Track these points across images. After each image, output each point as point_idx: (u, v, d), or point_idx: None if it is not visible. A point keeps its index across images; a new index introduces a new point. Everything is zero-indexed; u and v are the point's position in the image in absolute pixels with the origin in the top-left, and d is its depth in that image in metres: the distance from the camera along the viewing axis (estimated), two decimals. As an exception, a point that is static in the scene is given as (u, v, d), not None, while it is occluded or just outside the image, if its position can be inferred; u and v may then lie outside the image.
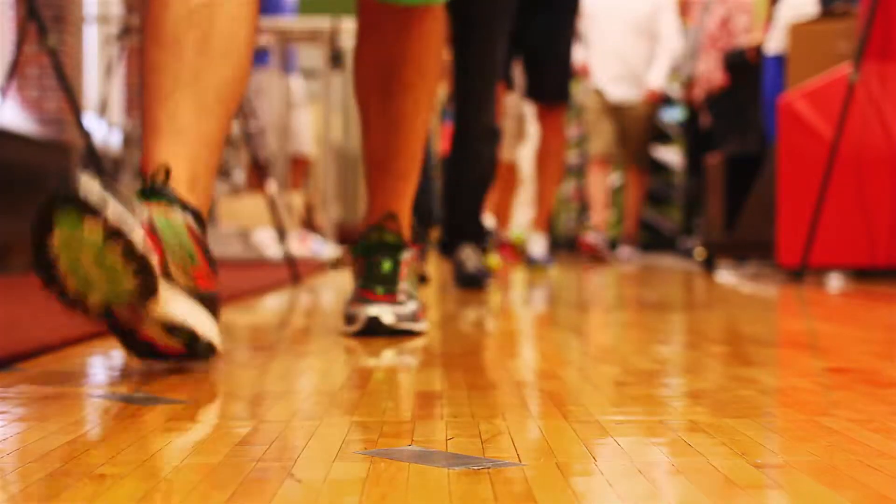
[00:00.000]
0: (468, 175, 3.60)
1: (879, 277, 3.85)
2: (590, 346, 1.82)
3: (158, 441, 0.94)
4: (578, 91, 7.49)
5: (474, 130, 3.53)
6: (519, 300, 3.17)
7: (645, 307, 2.75)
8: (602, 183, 7.42)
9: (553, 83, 4.69)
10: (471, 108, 3.53)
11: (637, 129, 7.27)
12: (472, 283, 3.38)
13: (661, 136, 9.32)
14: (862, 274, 3.92)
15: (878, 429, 0.99)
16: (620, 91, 7.19)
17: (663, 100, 7.44)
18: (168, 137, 1.41)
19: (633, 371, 1.43)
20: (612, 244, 7.81)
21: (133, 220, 1.24)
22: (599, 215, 7.38)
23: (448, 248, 3.65)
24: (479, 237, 3.60)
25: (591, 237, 7.24)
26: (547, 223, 5.17)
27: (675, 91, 9.40)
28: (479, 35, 3.50)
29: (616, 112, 7.23)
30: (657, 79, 7.09)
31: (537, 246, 5.06)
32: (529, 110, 6.00)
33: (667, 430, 0.98)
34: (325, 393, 1.25)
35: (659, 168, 9.40)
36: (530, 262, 4.86)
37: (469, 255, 3.45)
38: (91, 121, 5.44)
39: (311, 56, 7.66)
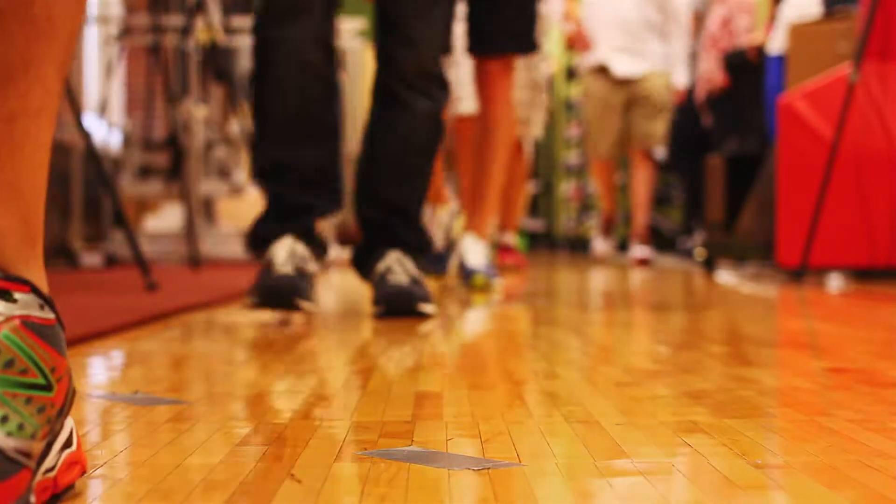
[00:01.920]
0: (390, 145, 2.38)
1: (879, 277, 3.85)
2: (590, 347, 1.82)
3: (158, 441, 0.94)
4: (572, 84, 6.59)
5: (402, 71, 2.35)
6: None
7: (645, 307, 2.75)
8: (609, 178, 6.62)
9: (510, 27, 3.33)
10: (398, 37, 2.36)
11: (652, 101, 6.24)
12: (400, 304, 2.23)
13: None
14: (862, 274, 3.92)
15: (878, 429, 0.99)
16: (626, 63, 6.26)
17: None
18: None
19: (633, 371, 1.43)
20: (622, 244, 7.33)
21: None
22: (610, 209, 6.62)
23: (362, 261, 2.44)
24: (418, 244, 2.41)
25: (600, 246, 6.64)
26: (485, 227, 3.59)
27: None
28: None
29: (624, 87, 6.24)
30: (682, 77, 6.26)
31: (473, 254, 3.50)
32: (545, 70, 5.04)
33: (667, 431, 0.98)
34: (325, 393, 1.25)
35: (659, 168, 9.38)
36: (465, 276, 3.40)
37: (395, 263, 2.31)
38: (91, 121, 5.44)
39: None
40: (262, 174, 2.37)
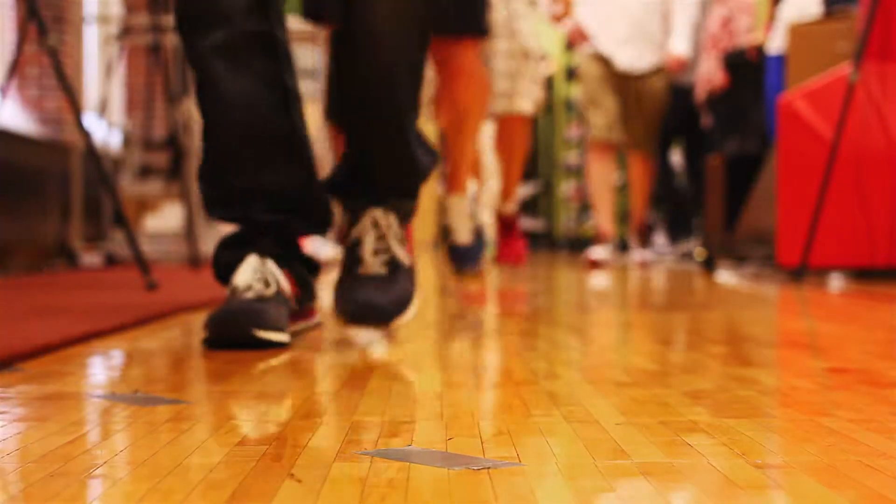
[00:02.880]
0: (355, 81, 1.78)
1: (879, 277, 3.85)
2: (590, 346, 1.82)
3: (158, 441, 0.94)
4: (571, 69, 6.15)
5: None
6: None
7: (645, 307, 2.75)
8: (606, 175, 5.98)
9: (459, 9, 3.29)
10: None
11: (651, 104, 5.85)
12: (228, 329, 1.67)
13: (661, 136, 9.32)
14: (862, 274, 3.92)
15: (878, 429, 0.99)
16: (631, 56, 5.81)
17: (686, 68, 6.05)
18: None
19: (633, 371, 1.43)
20: (623, 245, 6.80)
21: None
22: (605, 219, 5.94)
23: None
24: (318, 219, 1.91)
25: (598, 253, 5.91)
26: (462, 184, 3.61)
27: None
28: None
29: (625, 83, 5.85)
30: (680, 43, 5.76)
31: (460, 226, 3.51)
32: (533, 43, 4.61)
33: (667, 431, 0.98)
34: (325, 393, 1.25)
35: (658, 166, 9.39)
36: (453, 258, 3.35)
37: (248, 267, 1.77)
38: (91, 121, 5.44)
39: (312, 56, 7.66)
40: (217, 203, 1.87)
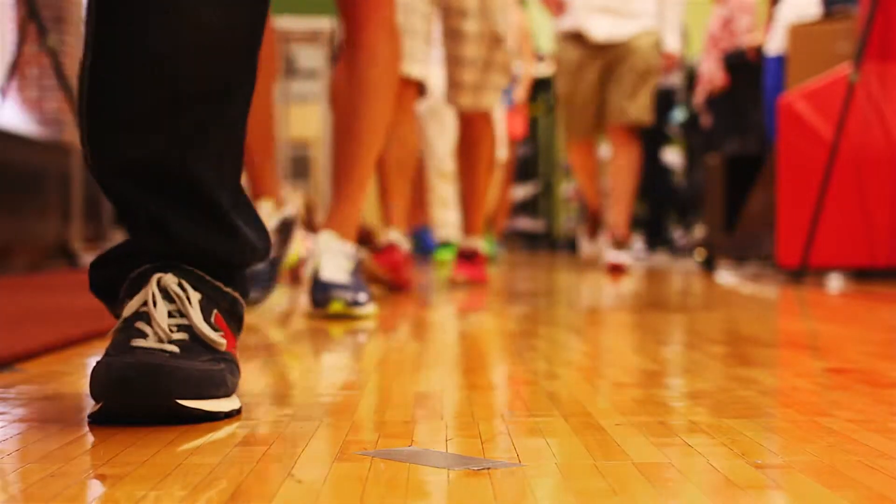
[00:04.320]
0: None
1: (879, 278, 3.85)
2: (590, 347, 1.82)
3: (158, 441, 0.94)
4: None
5: None
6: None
7: (645, 307, 2.75)
8: (590, 164, 5.33)
9: None
10: None
11: (639, 62, 4.97)
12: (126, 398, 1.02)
13: (661, 136, 9.35)
14: (862, 274, 3.92)
15: (878, 429, 0.99)
16: (610, 25, 5.01)
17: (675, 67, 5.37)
18: None
19: (633, 371, 1.43)
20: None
21: None
22: (621, 212, 5.07)
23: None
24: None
25: (587, 248, 5.65)
26: (348, 221, 2.43)
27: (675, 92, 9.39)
28: None
29: (605, 58, 5.03)
30: (674, 41, 5.08)
31: (328, 263, 2.37)
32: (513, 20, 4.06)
33: (667, 431, 0.98)
34: (326, 393, 1.25)
35: (659, 168, 9.41)
36: (315, 294, 2.30)
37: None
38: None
39: (311, 56, 7.66)
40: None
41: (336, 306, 2.23)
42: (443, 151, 6.05)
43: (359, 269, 2.37)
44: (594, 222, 5.78)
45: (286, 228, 2.74)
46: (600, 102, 5.04)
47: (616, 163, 5.07)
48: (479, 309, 2.70)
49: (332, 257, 2.32)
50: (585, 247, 5.99)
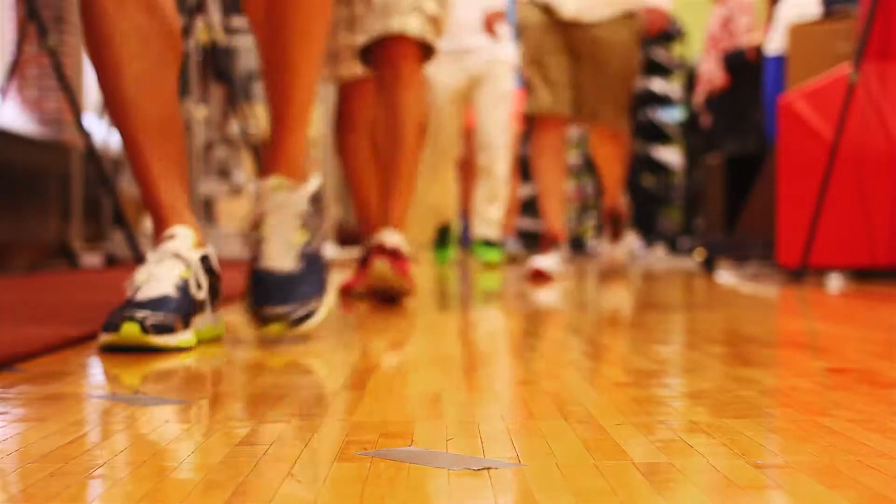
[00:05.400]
0: None
1: (879, 277, 3.85)
2: (590, 346, 1.82)
3: (158, 441, 0.94)
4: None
5: None
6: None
7: (644, 307, 2.75)
8: (554, 158, 4.34)
9: None
10: None
11: (612, 61, 4.28)
12: None
13: (661, 136, 9.37)
14: (862, 274, 3.92)
15: (878, 429, 0.99)
16: (576, 2, 4.28)
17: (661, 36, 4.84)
18: None
19: (633, 371, 1.43)
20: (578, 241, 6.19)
21: None
22: (554, 215, 4.37)
23: None
24: None
25: (543, 262, 4.25)
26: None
27: (675, 92, 9.41)
28: None
29: (574, 38, 4.29)
30: None
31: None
32: None
33: (667, 431, 0.98)
34: (325, 393, 1.25)
35: (659, 168, 9.43)
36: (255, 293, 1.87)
37: None
38: (91, 121, 5.44)
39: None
40: None
41: (275, 329, 1.78)
42: (451, 129, 5.66)
43: (313, 225, 1.83)
44: (615, 221, 4.86)
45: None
46: (575, 84, 4.30)
47: (600, 151, 4.53)
48: (478, 308, 2.70)
49: (279, 227, 1.83)
50: (608, 249, 4.98)
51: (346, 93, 2.90)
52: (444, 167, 5.85)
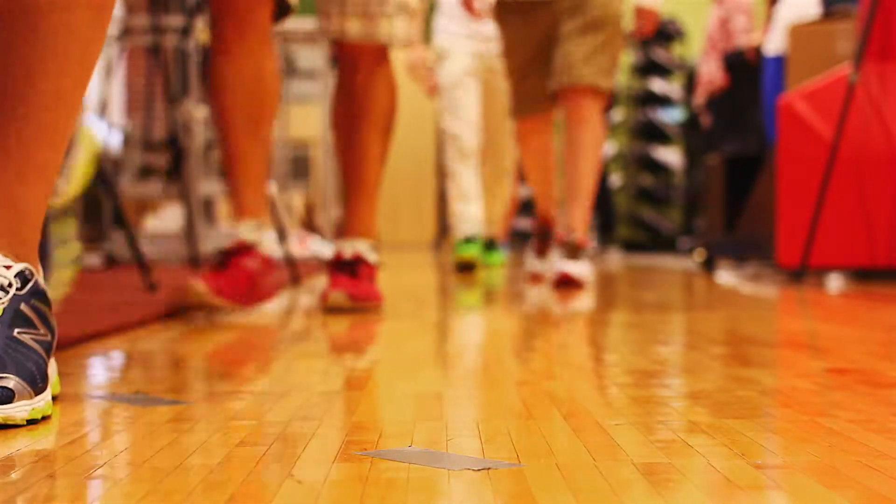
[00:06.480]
0: None
1: (879, 277, 3.85)
2: (590, 347, 1.82)
3: (158, 441, 0.94)
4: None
5: None
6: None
7: (645, 308, 2.75)
8: (542, 149, 4.13)
9: None
10: None
11: (583, 26, 3.63)
12: None
13: (661, 136, 9.37)
14: (862, 274, 3.92)
15: (878, 429, 0.99)
16: None
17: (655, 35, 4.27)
18: None
19: (633, 371, 1.43)
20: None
21: None
22: (578, 208, 3.68)
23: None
24: None
25: (536, 266, 4.18)
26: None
27: (675, 92, 9.41)
28: None
29: (545, 9, 3.75)
30: None
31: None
32: None
33: (667, 431, 0.98)
34: (325, 393, 1.25)
35: (659, 168, 9.43)
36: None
37: None
38: (91, 121, 5.44)
39: (311, 56, 7.67)
40: None
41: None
42: (462, 123, 5.04)
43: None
44: (543, 233, 4.29)
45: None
46: (548, 61, 3.75)
47: (569, 137, 3.70)
48: (476, 307, 2.69)
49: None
50: (532, 264, 4.32)
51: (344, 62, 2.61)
52: (500, 183, 5.40)
